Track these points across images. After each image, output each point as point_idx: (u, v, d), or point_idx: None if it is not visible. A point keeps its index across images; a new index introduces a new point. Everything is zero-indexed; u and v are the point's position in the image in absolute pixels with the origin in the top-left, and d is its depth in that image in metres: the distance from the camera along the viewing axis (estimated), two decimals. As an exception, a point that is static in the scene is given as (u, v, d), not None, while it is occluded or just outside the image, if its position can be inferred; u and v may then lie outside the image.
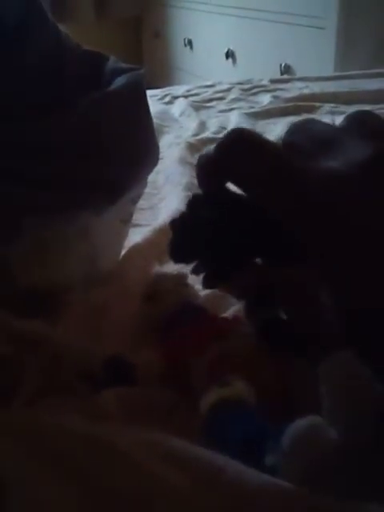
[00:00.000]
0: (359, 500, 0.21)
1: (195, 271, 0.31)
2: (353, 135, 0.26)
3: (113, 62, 0.43)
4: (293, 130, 0.29)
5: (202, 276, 0.31)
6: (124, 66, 0.42)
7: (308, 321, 0.28)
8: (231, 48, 2.77)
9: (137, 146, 0.41)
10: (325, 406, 0.23)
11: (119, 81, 0.40)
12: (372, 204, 0.24)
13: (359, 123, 0.28)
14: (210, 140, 0.91)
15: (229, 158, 0.26)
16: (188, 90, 1.26)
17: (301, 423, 0.23)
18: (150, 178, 0.47)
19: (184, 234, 0.30)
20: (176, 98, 1.20)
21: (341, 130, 0.27)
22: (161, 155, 0.51)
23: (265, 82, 1.32)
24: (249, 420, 0.26)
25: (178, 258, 0.30)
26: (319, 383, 0.23)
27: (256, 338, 0.31)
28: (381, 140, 0.26)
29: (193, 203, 0.30)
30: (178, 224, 0.30)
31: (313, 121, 0.29)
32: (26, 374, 0.30)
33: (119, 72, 0.41)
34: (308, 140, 0.27)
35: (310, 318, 0.28)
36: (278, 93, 1.23)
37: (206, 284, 0.31)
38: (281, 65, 2.36)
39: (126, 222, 0.45)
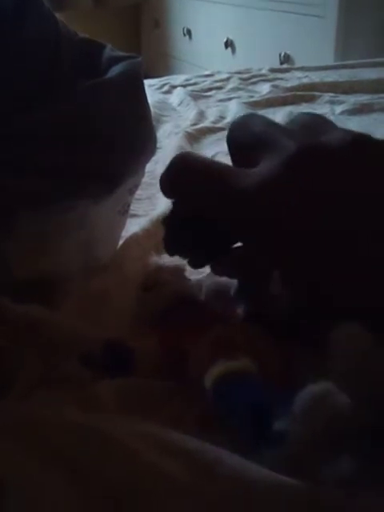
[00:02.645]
0: (372, 464, 0.21)
1: (191, 264, 0.34)
2: (285, 133, 0.29)
3: (109, 50, 0.42)
4: (235, 127, 0.33)
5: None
6: (121, 54, 0.42)
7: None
8: (230, 37, 2.76)
9: (134, 134, 0.41)
10: (337, 369, 0.23)
11: (116, 69, 0.40)
12: (293, 200, 0.26)
13: (296, 124, 0.31)
14: (208, 129, 0.91)
15: (173, 181, 0.31)
16: (187, 80, 1.26)
17: (313, 387, 0.23)
18: (149, 167, 0.47)
19: (172, 230, 0.33)
20: (174, 87, 1.19)
21: (275, 128, 0.31)
22: (159, 145, 0.51)
23: (264, 72, 1.32)
24: (257, 389, 0.26)
25: (170, 251, 0.34)
26: (329, 350, 0.24)
27: (246, 319, 0.32)
28: (310, 135, 0.29)
29: (175, 203, 0.33)
30: (167, 222, 0.34)
31: (253, 116, 0.33)
32: (25, 362, 0.30)
33: (116, 60, 0.41)
34: (249, 136, 0.31)
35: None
36: (277, 82, 1.22)
37: (192, 266, 0.35)
38: (280, 54, 2.35)
39: (124, 212, 0.45)
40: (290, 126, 0.31)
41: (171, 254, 0.34)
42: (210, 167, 0.30)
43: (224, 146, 0.87)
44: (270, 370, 0.28)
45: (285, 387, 0.26)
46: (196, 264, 0.34)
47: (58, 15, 0.40)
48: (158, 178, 0.31)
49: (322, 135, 0.28)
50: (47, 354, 0.31)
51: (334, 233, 0.26)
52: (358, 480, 0.21)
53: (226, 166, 0.30)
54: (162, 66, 3.33)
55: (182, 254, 0.34)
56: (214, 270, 0.34)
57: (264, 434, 0.23)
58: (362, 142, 0.27)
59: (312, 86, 1.18)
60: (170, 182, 0.31)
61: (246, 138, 0.31)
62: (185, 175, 0.30)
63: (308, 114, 0.33)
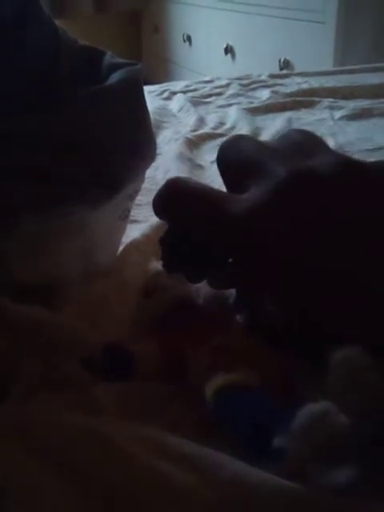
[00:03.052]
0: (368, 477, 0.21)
1: (189, 279, 0.35)
2: (275, 156, 0.30)
3: (109, 56, 0.42)
4: (225, 147, 0.33)
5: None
6: (121, 61, 0.42)
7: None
8: (230, 43, 2.76)
9: (133, 141, 0.41)
10: (336, 391, 0.23)
11: (116, 76, 0.40)
12: (282, 226, 0.27)
13: (287, 141, 0.31)
14: (208, 135, 0.91)
15: (165, 205, 0.32)
16: (187, 86, 1.26)
17: (313, 406, 0.23)
18: (149, 173, 0.47)
19: (169, 249, 0.35)
20: (174, 93, 1.19)
21: (265, 151, 0.31)
22: (159, 151, 0.51)
23: (264, 77, 1.32)
24: (257, 403, 0.26)
25: (169, 269, 0.36)
26: (329, 370, 0.24)
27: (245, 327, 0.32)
28: (299, 158, 0.29)
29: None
30: (164, 241, 0.35)
31: (244, 138, 0.33)
32: (25, 362, 0.30)
33: (116, 67, 0.41)
34: (240, 157, 0.31)
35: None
36: (276, 88, 1.22)
37: (190, 281, 0.35)
38: (280, 60, 2.35)
39: (124, 217, 0.45)
40: (281, 142, 0.31)
41: (170, 271, 0.36)
42: (201, 192, 0.30)
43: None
44: (269, 379, 0.28)
45: (284, 397, 0.26)
46: (194, 279, 0.35)
47: (58, 21, 0.41)
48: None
49: (312, 157, 0.28)
50: (47, 354, 0.31)
51: (323, 260, 0.26)
52: (357, 488, 0.21)
53: (217, 192, 0.30)
54: (161, 71, 3.34)
55: (181, 271, 0.35)
56: (211, 285, 0.34)
57: (264, 450, 0.23)
58: (351, 167, 0.27)
59: (311, 92, 1.19)
60: (162, 205, 0.32)
61: (236, 157, 0.32)
62: (176, 199, 0.31)
63: (299, 130, 0.33)
